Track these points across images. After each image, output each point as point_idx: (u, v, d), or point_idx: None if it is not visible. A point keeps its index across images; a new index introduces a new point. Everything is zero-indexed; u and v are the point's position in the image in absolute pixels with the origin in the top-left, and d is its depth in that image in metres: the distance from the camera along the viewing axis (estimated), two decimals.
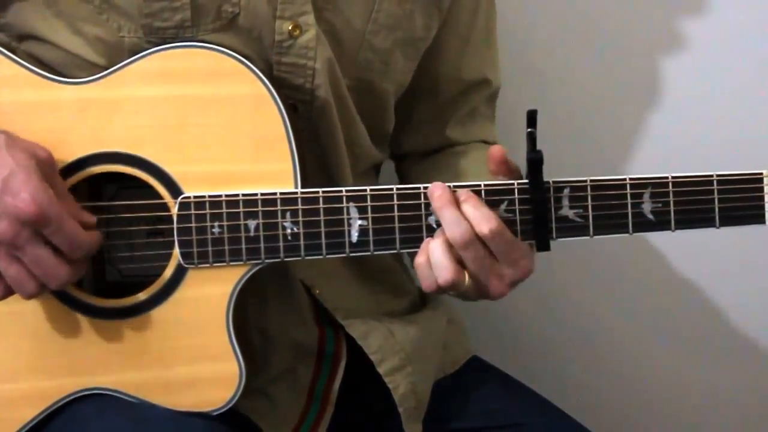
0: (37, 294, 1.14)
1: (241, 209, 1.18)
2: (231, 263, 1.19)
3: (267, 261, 1.19)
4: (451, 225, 1.16)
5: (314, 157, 1.27)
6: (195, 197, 1.18)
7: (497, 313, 1.74)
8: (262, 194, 1.18)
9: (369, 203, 1.19)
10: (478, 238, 1.16)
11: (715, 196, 1.20)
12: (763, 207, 1.21)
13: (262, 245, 1.18)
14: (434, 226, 1.19)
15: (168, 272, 1.19)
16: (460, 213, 1.16)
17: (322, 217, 1.18)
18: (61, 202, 1.12)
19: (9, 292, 1.15)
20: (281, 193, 1.18)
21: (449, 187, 1.18)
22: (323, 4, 1.25)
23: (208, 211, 1.18)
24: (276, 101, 1.18)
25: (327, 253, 1.19)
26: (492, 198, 1.18)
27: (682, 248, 1.75)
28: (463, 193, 1.18)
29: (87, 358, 1.20)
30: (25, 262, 1.12)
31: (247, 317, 1.28)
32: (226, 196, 1.18)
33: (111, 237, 1.22)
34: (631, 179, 1.19)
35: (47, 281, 1.13)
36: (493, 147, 1.22)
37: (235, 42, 1.21)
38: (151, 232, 1.23)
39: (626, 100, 1.74)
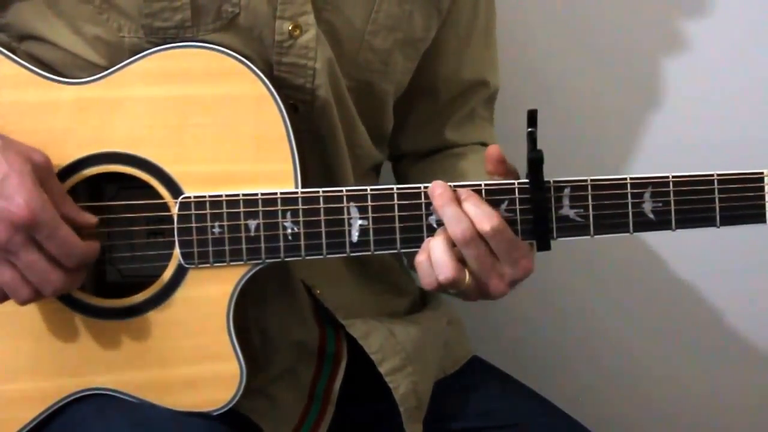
0: (32, 300, 1.14)
1: (242, 209, 1.18)
2: (231, 263, 1.19)
3: (267, 261, 1.19)
4: (453, 222, 1.16)
5: (315, 158, 1.27)
6: (195, 197, 1.18)
7: (497, 313, 1.74)
8: (262, 194, 1.18)
9: (369, 203, 1.18)
10: (480, 236, 1.16)
11: (716, 195, 1.20)
12: (763, 206, 1.21)
13: (262, 245, 1.18)
14: (435, 225, 1.19)
15: (168, 272, 1.19)
16: (461, 211, 1.17)
17: (322, 217, 1.18)
18: (56, 208, 1.12)
19: (4, 297, 1.15)
20: (282, 193, 1.18)
21: (450, 185, 1.18)
22: (323, 4, 1.25)
23: (208, 211, 1.18)
24: (276, 101, 1.18)
25: (327, 253, 1.19)
26: (492, 197, 1.18)
27: (683, 248, 1.75)
28: (463, 192, 1.18)
29: (87, 358, 1.20)
30: (19, 268, 1.12)
31: (248, 317, 1.28)
32: (227, 196, 1.18)
33: (111, 237, 1.22)
34: (631, 179, 1.19)
35: (41, 287, 1.13)
36: (490, 147, 1.22)
37: (236, 42, 1.21)
38: (152, 233, 1.23)
39: (626, 100, 1.74)
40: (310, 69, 1.24)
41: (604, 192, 1.19)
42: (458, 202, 1.17)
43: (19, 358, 1.20)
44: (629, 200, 1.19)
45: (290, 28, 1.23)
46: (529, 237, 1.19)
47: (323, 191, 1.18)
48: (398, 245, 1.19)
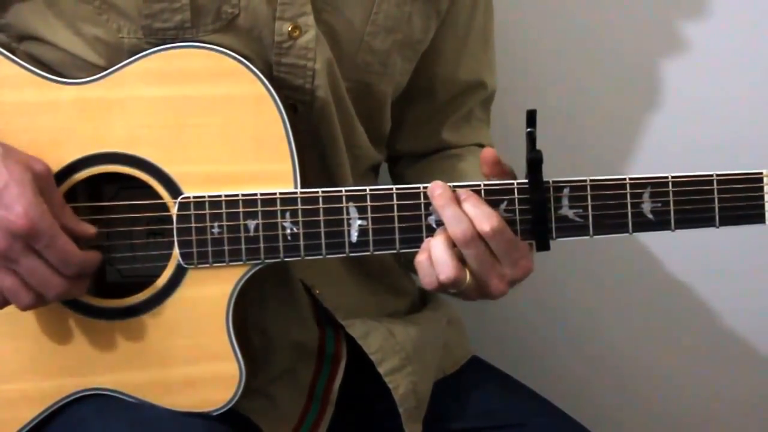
0: (34, 305, 1.14)
1: (241, 209, 1.18)
2: (231, 263, 1.19)
3: (267, 261, 1.19)
4: (453, 222, 1.16)
5: (314, 158, 1.27)
6: (194, 197, 1.18)
7: (497, 313, 1.74)
8: (261, 194, 1.18)
9: (368, 203, 1.19)
10: (480, 237, 1.16)
11: (715, 195, 1.20)
12: (763, 207, 1.21)
13: (261, 245, 1.18)
14: (434, 225, 1.19)
15: (168, 272, 1.19)
16: (461, 211, 1.17)
17: (321, 217, 1.18)
18: (55, 218, 1.12)
19: (5, 303, 1.15)
20: (281, 193, 1.18)
21: (449, 186, 1.18)
22: (323, 5, 1.25)
23: (207, 211, 1.18)
24: (276, 101, 1.18)
25: (327, 253, 1.19)
26: (492, 198, 1.18)
27: (682, 248, 1.75)
28: (463, 192, 1.18)
29: (87, 358, 1.20)
30: (20, 274, 1.13)
31: (247, 317, 1.28)
32: (226, 196, 1.18)
33: (111, 237, 1.22)
34: (630, 179, 1.19)
35: (44, 292, 1.13)
36: (485, 150, 1.21)
37: (235, 43, 1.21)
38: (151, 233, 1.23)
39: (626, 100, 1.74)
40: (309, 70, 1.24)
41: (603, 192, 1.19)
42: (458, 202, 1.17)
43: (19, 358, 1.20)
44: (628, 200, 1.19)
45: (290, 29, 1.23)
46: (529, 237, 1.19)
47: (322, 191, 1.19)
48: (397, 245, 1.19)
